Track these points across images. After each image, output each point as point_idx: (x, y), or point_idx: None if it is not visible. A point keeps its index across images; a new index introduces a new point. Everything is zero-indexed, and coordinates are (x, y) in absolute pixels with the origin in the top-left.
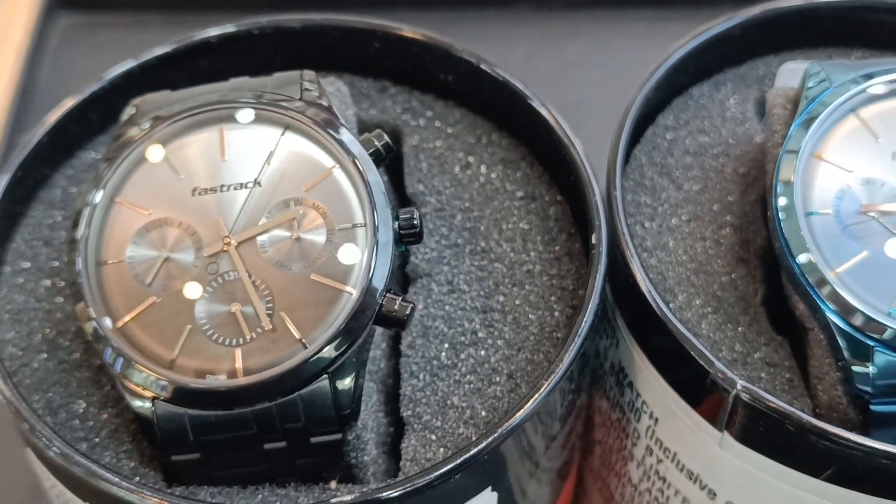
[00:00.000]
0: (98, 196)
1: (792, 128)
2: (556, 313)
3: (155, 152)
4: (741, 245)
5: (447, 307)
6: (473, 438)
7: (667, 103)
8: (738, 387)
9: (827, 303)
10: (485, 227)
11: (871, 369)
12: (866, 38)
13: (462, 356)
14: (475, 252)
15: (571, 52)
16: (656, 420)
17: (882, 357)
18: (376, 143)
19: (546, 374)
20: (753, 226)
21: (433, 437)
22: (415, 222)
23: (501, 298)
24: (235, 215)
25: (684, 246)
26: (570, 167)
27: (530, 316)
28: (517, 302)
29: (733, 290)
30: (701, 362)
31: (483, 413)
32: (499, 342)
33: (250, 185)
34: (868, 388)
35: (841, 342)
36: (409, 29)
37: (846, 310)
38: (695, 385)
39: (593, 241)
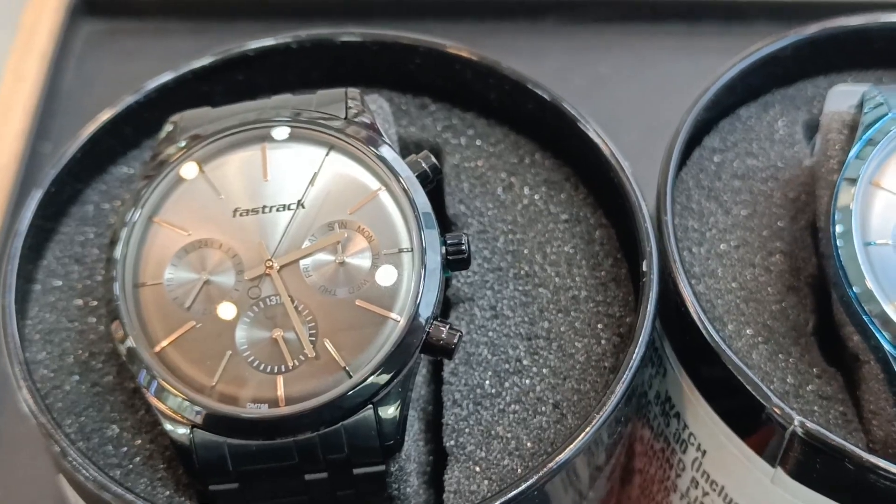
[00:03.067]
0: (136, 215)
1: (850, 154)
2: (603, 341)
3: (194, 171)
4: (791, 272)
5: (490, 333)
6: (519, 470)
7: (714, 125)
8: (796, 422)
9: (885, 334)
10: (528, 250)
11: None
12: None
13: (506, 384)
14: (519, 276)
15: (604, 66)
16: (704, 452)
17: None
18: (423, 164)
19: (597, 406)
20: (804, 253)
21: (477, 469)
22: (463, 247)
23: (546, 325)
24: (278, 238)
25: (733, 273)
26: (617, 190)
27: (576, 344)
28: (562, 329)
29: (784, 320)
30: (756, 396)
31: (528, 444)
32: (544, 370)
33: (294, 206)
34: None
35: None
36: (452, 45)
37: None
38: (747, 418)
39: (644, 267)
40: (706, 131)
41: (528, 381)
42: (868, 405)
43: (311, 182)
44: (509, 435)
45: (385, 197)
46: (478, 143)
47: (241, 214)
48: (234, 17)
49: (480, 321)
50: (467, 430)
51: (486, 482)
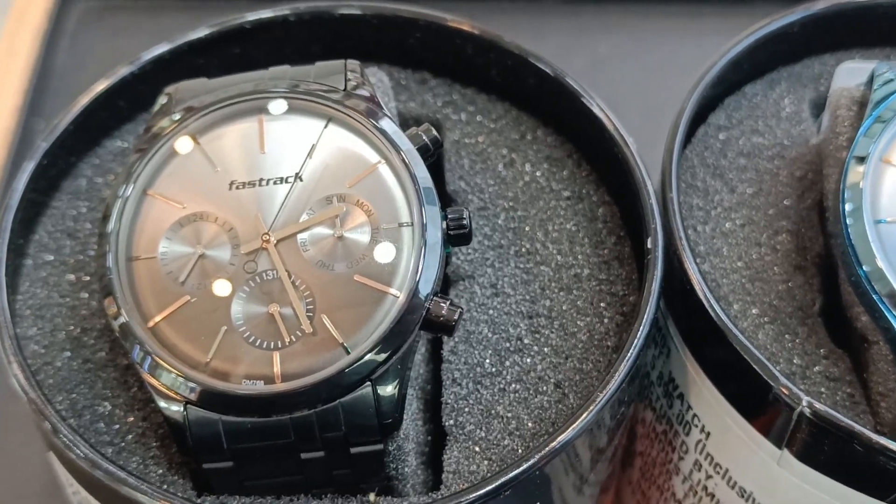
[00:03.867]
0: (129, 188)
1: (860, 131)
2: (606, 320)
3: (189, 145)
4: (798, 252)
5: (491, 311)
6: (519, 450)
7: (719, 102)
8: (804, 403)
9: (895, 314)
10: (529, 227)
11: None
12: None
13: (507, 363)
14: (520, 254)
15: (605, 45)
16: (708, 434)
17: None
18: (424, 137)
19: (600, 386)
20: (810, 232)
21: (477, 449)
22: (464, 222)
23: (548, 303)
24: (275, 211)
25: (739, 252)
26: (621, 166)
27: (578, 322)
28: (564, 307)
29: (791, 300)
30: (763, 376)
31: (529, 424)
32: (545, 349)
33: (291, 179)
34: None
35: None
36: (453, 19)
37: None
38: (754, 399)
39: (648, 245)
40: (712, 108)
41: (528, 360)
42: (876, 387)
43: (310, 154)
44: (509, 415)
45: (385, 170)
46: (478, 118)
47: (237, 187)
48: None
49: (481, 299)
50: (467, 410)
51: (485, 462)
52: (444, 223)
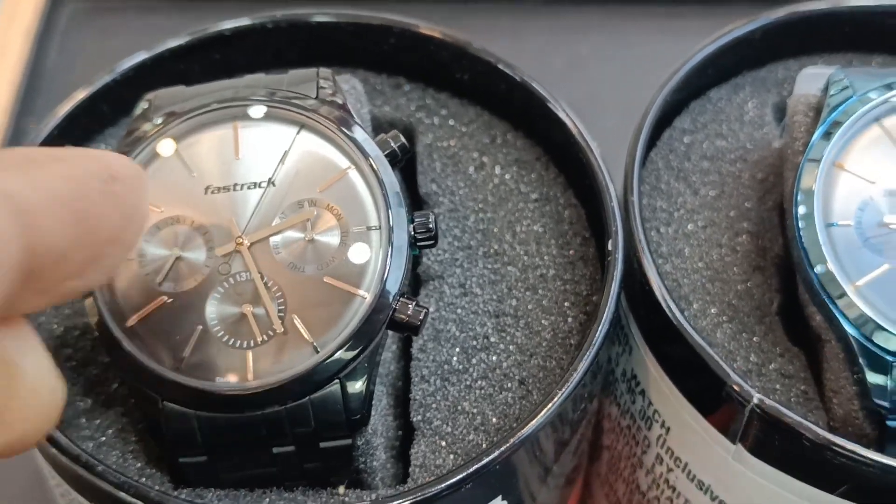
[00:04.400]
0: None
1: (814, 136)
2: (570, 319)
3: (167, 149)
4: (758, 253)
5: (459, 310)
6: (483, 445)
7: (684, 106)
8: (755, 400)
9: (845, 314)
10: (498, 229)
11: (888, 384)
12: (887, 44)
13: (473, 361)
14: (488, 255)
15: (584, 47)
16: (668, 429)
17: None
18: (392, 144)
19: (560, 382)
20: (770, 233)
21: (443, 444)
22: (430, 226)
23: (514, 302)
24: (249, 215)
25: (700, 253)
26: (586, 170)
27: (543, 321)
28: (530, 307)
29: (749, 299)
30: (717, 373)
31: (494, 420)
32: (511, 347)
33: (264, 184)
34: (885, 403)
35: (859, 356)
36: (425, 26)
37: (865, 323)
38: (709, 396)
39: (609, 247)
40: (677, 112)
41: (494, 358)
42: (829, 384)
43: (282, 160)
44: (475, 410)
45: (354, 175)
46: (451, 122)
47: (212, 192)
48: None
49: (449, 298)
50: (434, 406)
51: (451, 456)
52: (411, 226)
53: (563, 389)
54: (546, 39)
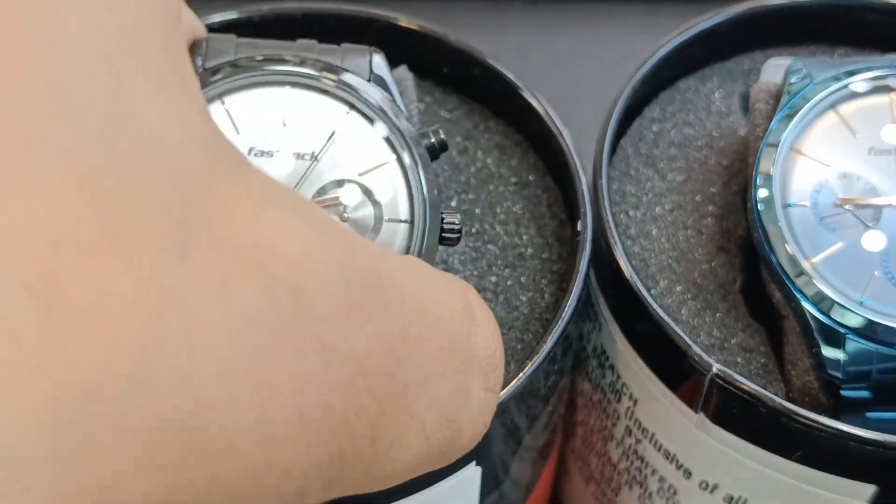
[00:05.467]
0: None
1: (773, 122)
2: (546, 295)
3: (216, 104)
4: (722, 234)
5: None
6: None
7: (654, 96)
8: (714, 370)
9: (802, 291)
10: (480, 209)
11: (842, 356)
12: (849, 36)
13: None
14: (470, 234)
15: (563, 42)
16: (636, 401)
17: (853, 345)
18: (432, 138)
19: (530, 354)
20: (734, 216)
21: None
22: (457, 226)
23: (494, 279)
24: (293, 184)
25: (667, 234)
26: (559, 156)
27: (521, 297)
28: (509, 283)
29: (713, 278)
30: (679, 345)
31: None
32: None
33: (307, 157)
34: (839, 374)
35: (814, 330)
36: (404, 19)
37: (820, 299)
38: (673, 368)
39: (579, 227)
40: (647, 102)
41: None
42: (788, 357)
43: (329, 137)
44: None
45: (395, 165)
46: (435, 108)
47: (255, 155)
48: None
49: None
50: None
51: None
52: (442, 225)
53: (533, 361)
54: (528, 35)
